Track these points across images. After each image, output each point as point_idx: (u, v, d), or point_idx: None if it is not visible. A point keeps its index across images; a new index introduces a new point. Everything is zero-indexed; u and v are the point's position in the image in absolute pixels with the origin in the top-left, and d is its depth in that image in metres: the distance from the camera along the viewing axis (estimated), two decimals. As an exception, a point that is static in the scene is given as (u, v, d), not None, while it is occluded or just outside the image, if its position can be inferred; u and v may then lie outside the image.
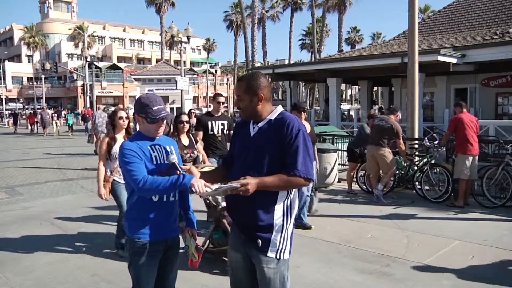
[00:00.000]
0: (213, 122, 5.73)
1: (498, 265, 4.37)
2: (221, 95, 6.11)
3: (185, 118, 5.09)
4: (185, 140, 5.09)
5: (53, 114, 26.89)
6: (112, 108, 8.83)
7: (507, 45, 14.29)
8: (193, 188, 2.18)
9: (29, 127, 30.44)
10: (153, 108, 2.41)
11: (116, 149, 4.33)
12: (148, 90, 25.10)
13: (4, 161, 13.19)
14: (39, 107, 38.95)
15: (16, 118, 30.76)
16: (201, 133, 5.69)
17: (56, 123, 26.48)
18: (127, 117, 4.67)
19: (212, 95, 7.15)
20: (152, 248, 2.42)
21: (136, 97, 2.75)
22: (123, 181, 4.12)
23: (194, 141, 5.28)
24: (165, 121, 2.49)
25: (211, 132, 5.71)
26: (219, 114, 5.86)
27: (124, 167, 2.35)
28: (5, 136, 25.88)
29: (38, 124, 28.29)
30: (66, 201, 7.70)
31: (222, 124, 5.76)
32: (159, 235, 2.43)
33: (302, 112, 5.61)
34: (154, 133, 2.47)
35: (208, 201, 4.32)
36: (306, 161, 2.22)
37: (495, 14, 18.52)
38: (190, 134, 5.26)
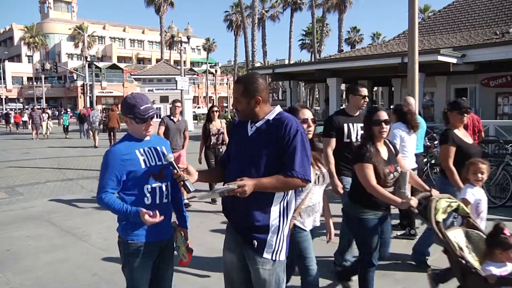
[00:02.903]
0: (351, 125, 4.07)
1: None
2: (363, 86, 4.20)
3: (384, 116, 3.20)
4: (383, 151, 3.22)
5: (42, 115, 24.01)
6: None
7: (507, 45, 14.26)
8: (144, 221, 2.24)
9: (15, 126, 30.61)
10: (141, 108, 2.38)
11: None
12: (148, 90, 25.17)
13: (4, 161, 13.19)
14: (39, 106, 38.94)
15: (8, 118, 30.86)
16: (333, 141, 4.10)
17: (47, 123, 23.89)
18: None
19: (347, 87, 5.57)
20: (146, 249, 2.40)
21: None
22: (307, 227, 2.97)
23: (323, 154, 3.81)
24: (153, 120, 2.46)
25: (347, 140, 4.03)
26: (357, 113, 4.18)
27: (101, 173, 2.38)
28: (1, 136, 25.88)
29: (27, 123, 27.84)
30: (66, 201, 7.70)
31: (362, 128, 3.85)
32: (153, 236, 2.41)
33: (465, 115, 3.95)
34: (144, 134, 2.44)
35: (445, 241, 2.81)
36: (303, 162, 2.19)
37: (495, 14, 18.51)
38: (388, 142, 3.36)
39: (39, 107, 32.37)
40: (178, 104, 7.21)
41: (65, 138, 22.57)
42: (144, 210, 2.24)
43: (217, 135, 7.23)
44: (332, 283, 3.89)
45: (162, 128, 7.02)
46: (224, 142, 7.26)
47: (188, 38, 21.69)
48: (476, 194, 3.32)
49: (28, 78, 59.55)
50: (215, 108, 7.54)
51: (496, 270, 2.61)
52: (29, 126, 24.03)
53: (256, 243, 2.23)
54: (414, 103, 5.75)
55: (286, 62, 51.61)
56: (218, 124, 7.35)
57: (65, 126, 24.12)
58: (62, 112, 27.76)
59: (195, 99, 53.82)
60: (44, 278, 4.18)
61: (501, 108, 17.50)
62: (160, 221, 2.30)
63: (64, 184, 9.35)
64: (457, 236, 2.91)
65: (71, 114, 32.11)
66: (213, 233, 5.41)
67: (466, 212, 3.08)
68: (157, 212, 2.25)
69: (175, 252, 2.60)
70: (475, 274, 2.57)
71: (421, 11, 45.33)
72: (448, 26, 19.84)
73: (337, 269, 4.04)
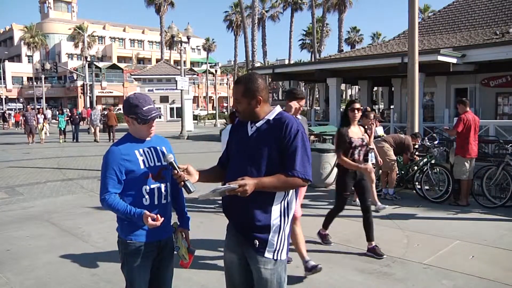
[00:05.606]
0: None
1: (498, 265, 4.37)
2: None
3: None
4: None
5: (37, 116, 21.10)
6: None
7: (507, 45, 14.26)
8: (146, 224, 2.24)
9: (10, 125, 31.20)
10: (143, 108, 2.36)
11: None
12: (148, 90, 25.15)
13: (4, 161, 13.19)
14: (39, 106, 38.88)
15: (4, 117, 31.24)
16: None
17: (44, 125, 21.28)
18: None
19: None
20: (144, 249, 2.40)
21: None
22: None
23: None
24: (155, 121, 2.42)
25: None
26: None
27: (102, 174, 2.36)
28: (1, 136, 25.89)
29: (22, 122, 27.47)
30: (66, 201, 7.70)
31: None
32: (152, 236, 2.40)
33: None
34: (146, 134, 2.43)
35: None
36: (304, 162, 2.20)
37: (495, 14, 18.50)
38: None
39: (39, 106, 32.37)
40: (302, 101, 4.29)
41: (60, 143, 20.08)
42: (147, 213, 2.24)
43: (360, 148, 4.76)
44: None
45: None
46: (366, 158, 5.08)
47: (188, 38, 21.71)
48: None
49: (28, 78, 59.52)
50: (357, 105, 4.84)
51: None
52: (23, 128, 21.46)
53: (257, 243, 2.23)
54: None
55: (286, 62, 51.63)
56: (358, 131, 4.85)
57: (62, 129, 21.03)
58: (58, 113, 23.68)
59: (195, 99, 53.81)
60: (44, 278, 4.18)
61: (501, 108, 17.50)
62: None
63: (64, 184, 9.35)
64: None
65: (69, 114, 28.83)
66: (214, 233, 5.41)
67: None
68: (158, 216, 2.25)
69: (175, 252, 2.59)
70: None
71: (421, 11, 45.38)
72: (448, 26, 19.84)
73: None
